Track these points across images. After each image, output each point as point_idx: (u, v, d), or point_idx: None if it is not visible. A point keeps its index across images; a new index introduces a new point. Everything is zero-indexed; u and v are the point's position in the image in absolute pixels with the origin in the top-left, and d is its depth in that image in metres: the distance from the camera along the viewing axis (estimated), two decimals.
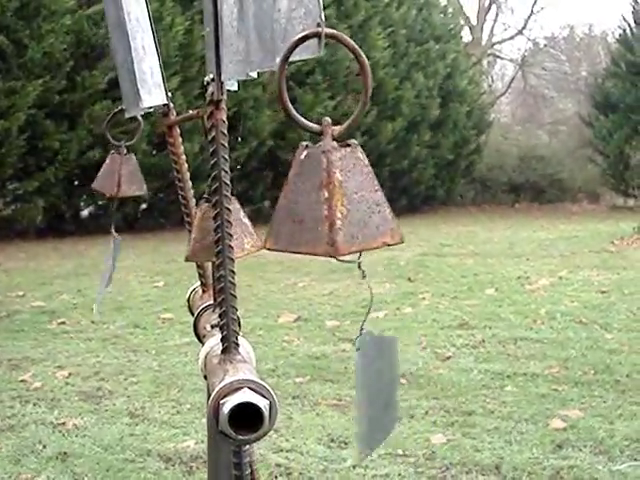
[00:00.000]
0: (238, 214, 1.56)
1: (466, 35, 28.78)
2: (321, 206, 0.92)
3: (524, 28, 32.36)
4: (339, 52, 15.92)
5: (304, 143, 0.96)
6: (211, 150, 1.21)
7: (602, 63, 26.27)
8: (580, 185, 23.20)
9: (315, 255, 0.94)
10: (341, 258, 1.00)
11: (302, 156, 0.94)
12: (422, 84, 19.12)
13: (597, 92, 21.91)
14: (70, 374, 5.35)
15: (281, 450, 4.01)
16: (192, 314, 1.73)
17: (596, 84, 22.46)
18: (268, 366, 5.49)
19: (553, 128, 30.15)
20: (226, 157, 1.22)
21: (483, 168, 22.51)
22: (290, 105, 0.95)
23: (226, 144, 1.22)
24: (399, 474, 3.67)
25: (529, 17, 32.38)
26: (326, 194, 0.92)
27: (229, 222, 1.23)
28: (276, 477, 3.72)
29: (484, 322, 6.69)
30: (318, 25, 1.00)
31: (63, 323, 6.91)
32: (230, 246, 1.23)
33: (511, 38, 33.07)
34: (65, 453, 3.94)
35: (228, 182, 1.23)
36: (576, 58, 33.09)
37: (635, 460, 3.77)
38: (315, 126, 0.94)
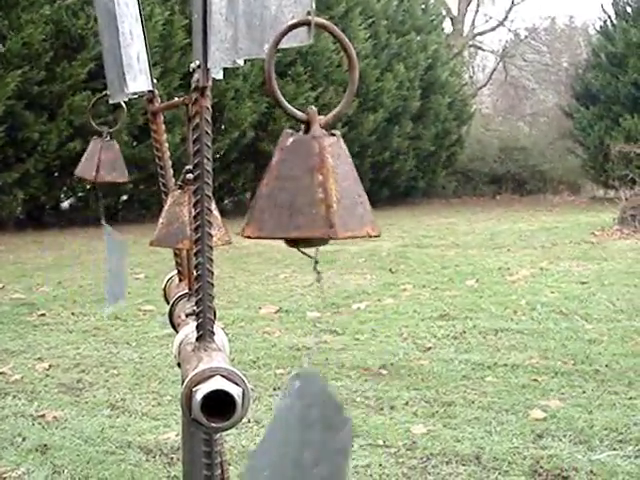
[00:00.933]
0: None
1: (447, 26, 28.81)
2: (315, 189, 0.92)
3: (505, 19, 32.44)
4: (320, 43, 15.89)
5: (288, 131, 0.95)
6: (194, 137, 1.21)
7: (583, 54, 26.37)
8: (561, 176, 23.30)
9: (310, 239, 0.93)
10: (304, 250, 0.97)
11: (288, 142, 0.94)
12: (403, 75, 19.12)
13: (578, 83, 21.99)
14: (50, 366, 5.32)
15: None
16: (168, 303, 1.72)
17: (577, 75, 22.54)
18: (249, 357, 5.48)
19: (534, 119, 30.27)
20: (209, 144, 1.22)
21: (464, 159, 22.55)
22: (278, 92, 0.94)
23: (209, 131, 1.22)
24: (380, 464, 3.68)
25: (510, 8, 32.47)
26: (320, 177, 0.92)
27: (209, 210, 1.22)
28: None
29: (465, 313, 6.72)
30: (308, 14, 0.99)
31: (43, 315, 6.87)
32: (210, 234, 1.22)
33: (492, 29, 33.14)
34: (45, 445, 3.93)
35: (210, 169, 1.22)
36: (557, 49, 33.21)
37: (614, 449, 3.80)
38: (302, 114, 0.94)
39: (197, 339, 1.22)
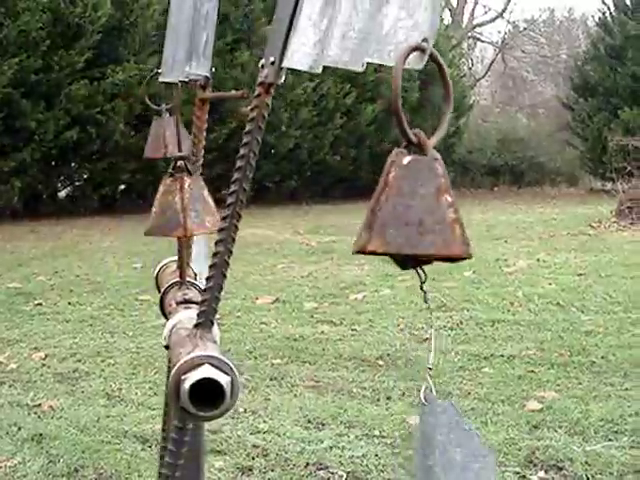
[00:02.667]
0: (202, 191, 1.55)
1: (446, 17, 28.76)
2: (445, 209, 0.95)
3: (504, 11, 32.38)
4: None
5: (401, 150, 0.97)
6: (247, 130, 1.21)
7: (582, 46, 26.34)
8: (559, 168, 23.30)
9: (446, 257, 0.95)
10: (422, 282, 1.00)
11: (406, 161, 0.96)
12: None
13: (576, 75, 21.97)
14: (46, 355, 5.32)
15: (258, 432, 4.02)
16: (159, 290, 1.71)
17: (575, 67, 22.51)
18: (246, 347, 5.48)
19: (532, 111, 30.24)
20: (259, 140, 1.23)
21: (462, 151, 22.54)
22: (402, 112, 0.96)
23: (263, 127, 1.23)
24: (376, 455, 3.68)
25: (509, 0, 32.39)
26: (449, 198, 0.95)
27: (242, 202, 1.22)
28: (253, 458, 3.72)
29: (462, 304, 6.72)
30: (425, 40, 1.00)
31: (40, 305, 6.86)
32: (236, 226, 1.22)
33: (491, 21, 33.09)
34: (40, 435, 3.93)
35: (253, 164, 1.23)
36: (556, 41, 33.17)
37: (609, 440, 3.80)
38: (414, 137, 0.97)
39: (196, 325, 1.21)
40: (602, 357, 5.13)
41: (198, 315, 1.18)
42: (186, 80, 1.81)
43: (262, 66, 1.23)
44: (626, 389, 4.51)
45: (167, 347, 1.33)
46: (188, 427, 1.18)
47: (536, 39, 33.15)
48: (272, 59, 1.21)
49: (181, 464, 1.16)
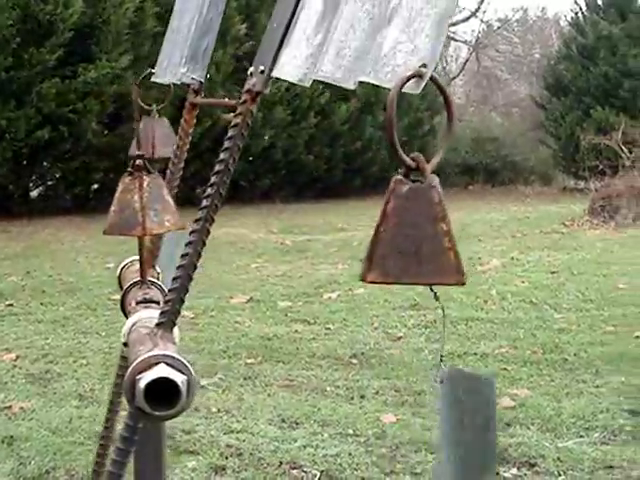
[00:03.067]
0: (161, 190, 1.54)
1: None
2: (442, 238, 0.98)
3: (478, 10, 32.50)
4: None
5: (399, 177, 0.99)
6: (229, 135, 1.23)
7: (554, 46, 26.51)
8: (532, 167, 23.43)
9: (441, 285, 1.00)
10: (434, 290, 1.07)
11: (404, 190, 0.99)
12: None
13: (549, 75, 22.10)
14: (18, 357, 5.27)
15: (232, 431, 4.00)
16: (121, 289, 1.70)
17: (548, 67, 22.65)
18: (220, 347, 5.46)
19: (506, 110, 30.39)
20: (240, 146, 1.23)
21: (437, 150, 22.51)
22: (396, 137, 0.98)
23: (245, 134, 1.23)
24: (349, 453, 3.68)
25: None
26: (444, 227, 0.99)
27: (217, 206, 1.22)
28: (227, 458, 3.71)
29: (436, 303, 6.71)
30: (424, 66, 1.00)
31: (11, 305, 6.80)
32: (208, 230, 1.22)
33: (465, 20, 33.19)
34: (12, 437, 3.89)
35: (232, 170, 1.24)
36: (529, 41, 33.36)
37: (581, 437, 3.83)
38: (411, 161, 0.99)
39: (157, 325, 1.20)
40: (574, 354, 5.17)
41: (160, 314, 1.18)
42: (179, 83, 1.80)
43: (250, 74, 1.24)
44: (597, 386, 4.54)
45: (125, 344, 1.33)
46: (139, 425, 1.17)
47: (510, 38, 33.32)
48: (262, 68, 1.23)
49: (142, 463, 1.15)
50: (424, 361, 5.08)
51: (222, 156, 1.22)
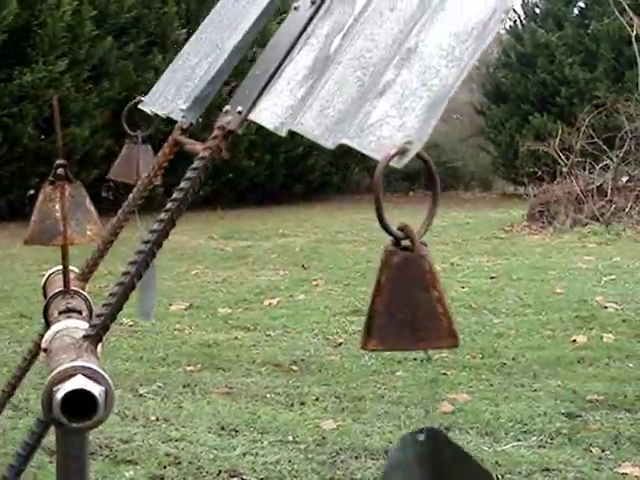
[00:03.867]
0: (84, 200, 1.51)
1: None
2: (434, 304, 1.02)
3: None
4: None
5: (390, 248, 1.03)
6: (194, 166, 1.24)
7: (494, 53, 26.89)
8: (473, 173, 23.72)
9: (437, 348, 1.04)
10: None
11: (396, 260, 1.02)
12: None
13: (489, 82, 22.41)
14: None
15: (170, 440, 3.95)
16: (45, 297, 1.67)
17: (488, 74, 22.96)
18: (159, 354, 5.40)
19: (447, 116, 30.72)
20: (202, 178, 1.25)
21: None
22: (382, 208, 1.04)
23: (209, 168, 1.26)
24: (289, 460, 3.66)
25: None
26: (436, 293, 1.03)
27: (167, 234, 1.21)
28: (165, 467, 3.66)
29: None
30: (409, 143, 1.01)
31: None
32: (154, 253, 1.21)
33: None
34: None
35: (189, 199, 1.25)
36: None
37: (518, 440, 3.87)
38: (398, 232, 1.04)
39: (85, 337, 1.18)
40: (513, 358, 5.22)
41: (90, 327, 1.16)
42: (165, 116, 1.76)
43: (226, 111, 1.25)
44: (535, 390, 4.60)
45: (45, 350, 1.30)
46: (44, 433, 1.16)
47: None
48: (240, 108, 1.25)
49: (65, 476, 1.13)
50: (364, 367, 5.08)
51: (183, 185, 1.24)
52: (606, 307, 6.64)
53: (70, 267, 1.76)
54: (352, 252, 10.28)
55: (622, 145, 12.77)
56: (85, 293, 1.58)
